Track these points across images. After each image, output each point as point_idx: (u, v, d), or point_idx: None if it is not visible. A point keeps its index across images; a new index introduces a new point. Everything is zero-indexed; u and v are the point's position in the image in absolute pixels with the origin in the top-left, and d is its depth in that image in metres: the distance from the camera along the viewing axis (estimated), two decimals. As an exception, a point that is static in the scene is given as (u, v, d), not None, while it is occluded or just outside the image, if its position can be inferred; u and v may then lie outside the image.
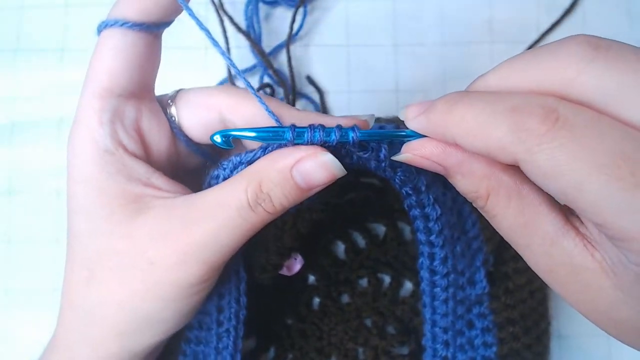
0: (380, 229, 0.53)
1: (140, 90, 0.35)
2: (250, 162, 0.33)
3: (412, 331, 0.50)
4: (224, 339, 0.38)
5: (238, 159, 0.33)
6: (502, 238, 0.42)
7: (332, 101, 0.58)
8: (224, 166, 0.34)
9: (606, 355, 0.54)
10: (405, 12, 0.59)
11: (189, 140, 0.37)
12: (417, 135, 0.30)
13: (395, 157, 0.32)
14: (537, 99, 0.25)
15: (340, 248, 0.53)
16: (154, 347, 0.36)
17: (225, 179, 0.34)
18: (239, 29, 0.56)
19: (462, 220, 0.42)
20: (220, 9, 0.56)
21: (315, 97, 0.57)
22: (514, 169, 0.27)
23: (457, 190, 0.37)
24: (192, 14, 0.30)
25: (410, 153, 0.30)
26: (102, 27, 0.33)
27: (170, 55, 0.57)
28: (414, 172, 0.35)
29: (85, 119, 0.33)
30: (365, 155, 0.32)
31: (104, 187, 0.32)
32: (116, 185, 0.33)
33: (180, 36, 0.57)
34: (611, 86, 0.24)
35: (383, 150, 0.32)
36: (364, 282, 0.52)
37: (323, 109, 0.57)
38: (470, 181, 0.29)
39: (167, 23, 0.35)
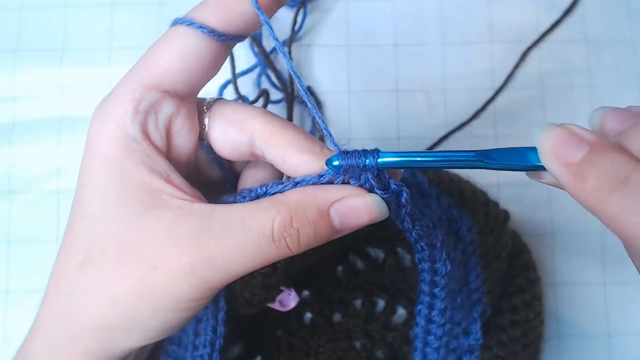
0: (379, 254, 0.52)
1: (187, 93, 0.33)
2: None
3: (400, 359, 0.49)
4: None
5: (263, 190, 0.32)
6: (502, 289, 0.42)
7: (332, 101, 0.58)
8: (244, 195, 0.32)
9: (606, 355, 0.54)
10: (405, 12, 0.59)
11: (211, 150, 0.35)
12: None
13: (538, 178, 0.29)
14: None
15: (338, 267, 0.52)
16: (133, 353, 0.34)
17: None
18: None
19: (467, 272, 0.41)
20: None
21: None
22: None
23: (469, 240, 0.36)
24: (271, 29, 0.30)
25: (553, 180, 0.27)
26: (177, 22, 0.31)
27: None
28: (431, 226, 0.34)
29: (123, 101, 0.31)
30: (385, 196, 0.30)
31: (124, 172, 0.31)
32: (137, 174, 0.31)
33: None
34: None
35: (404, 194, 0.30)
36: (357, 303, 0.51)
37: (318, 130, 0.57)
38: None
39: (243, 37, 0.33)
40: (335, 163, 0.30)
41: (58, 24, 0.58)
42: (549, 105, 0.57)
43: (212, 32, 0.31)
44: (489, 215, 0.44)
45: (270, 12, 0.32)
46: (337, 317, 0.51)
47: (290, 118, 0.56)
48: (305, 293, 0.51)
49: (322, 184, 0.30)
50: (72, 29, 0.58)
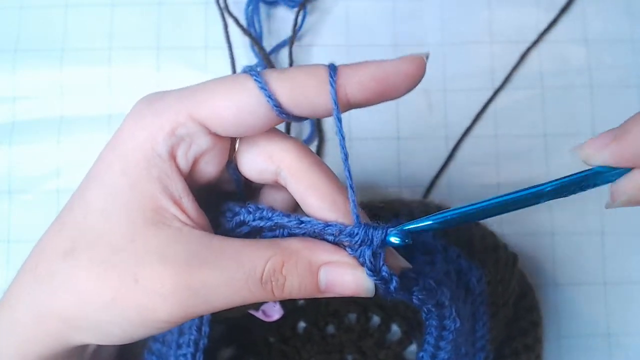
0: None
1: (225, 136, 0.33)
2: (276, 226, 0.32)
3: None
4: None
5: (269, 214, 0.32)
6: (506, 335, 0.41)
7: (332, 101, 0.58)
8: (250, 210, 0.33)
9: (606, 355, 0.54)
10: (405, 12, 0.59)
11: (236, 172, 0.35)
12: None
13: (611, 206, 0.29)
14: None
15: None
16: (91, 350, 0.35)
17: (242, 222, 0.33)
18: (244, 30, 0.56)
19: (474, 321, 0.41)
20: (225, 10, 0.56)
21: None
22: None
23: (478, 292, 0.36)
24: (339, 124, 0.30)
25: (630, 192, 0.28)
26: (252, 74, 0.31)
27: (170, 55, 0.57)
28: (434, 286, 0.33)
29: (165, 117, 0.31)
30: (372, 279, 0.30)
31: (137, 181, 0.31)
32: (148, 187, 0.31)
33: (180, 36, 0.57)
34: None
35: (394, 282, 0.30)
36: (352, 317, 0.51)
37: (319, 128, 0.57)
38: None
39: (301, 120, 0.33)
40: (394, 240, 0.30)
41: (58, 24, 0.58)
42: (549, 105, 0.57)
43: (277, 107, 0.30)
44: (498, 262, 0.44)
45: (344, 109, 0.31)
46: (330, 329, 0.51)
47: (288, 124, 0.56)
48: (301, 302, 0.51)
49: (325, 232, 0.30)
50: (72, 29, 0.58)
